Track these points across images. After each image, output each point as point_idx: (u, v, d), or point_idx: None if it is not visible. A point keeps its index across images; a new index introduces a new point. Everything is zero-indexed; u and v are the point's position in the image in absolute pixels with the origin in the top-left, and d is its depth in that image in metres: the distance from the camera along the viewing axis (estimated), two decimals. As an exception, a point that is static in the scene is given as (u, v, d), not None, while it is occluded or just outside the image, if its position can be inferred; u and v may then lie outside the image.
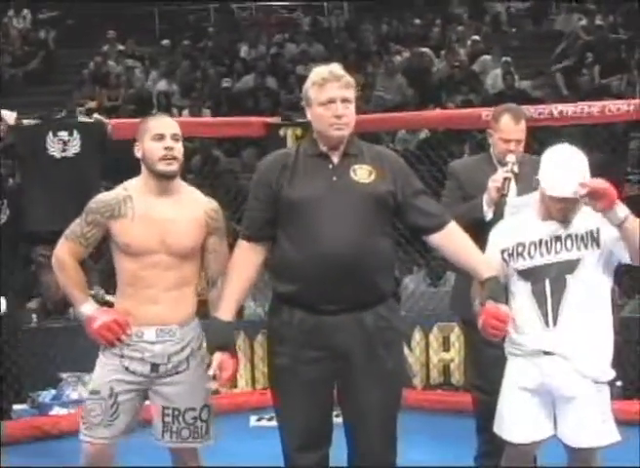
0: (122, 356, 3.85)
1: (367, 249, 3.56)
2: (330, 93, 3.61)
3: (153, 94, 14.47)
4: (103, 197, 3.93)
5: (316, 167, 3.66)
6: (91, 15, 17.03)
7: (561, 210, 3.75)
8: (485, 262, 3.77)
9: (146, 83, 15.05)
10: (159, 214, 3.83)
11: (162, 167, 3.83)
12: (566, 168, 3.72)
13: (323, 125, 3.63)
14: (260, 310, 7.13)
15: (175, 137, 3.86)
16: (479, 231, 4.04)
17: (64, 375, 6.01)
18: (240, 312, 7.44)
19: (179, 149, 3.87)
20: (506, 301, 3.82)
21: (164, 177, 3.86)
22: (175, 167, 3.85)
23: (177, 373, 3.87)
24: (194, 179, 8.39)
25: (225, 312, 3.70)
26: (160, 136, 3.85)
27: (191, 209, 3.90)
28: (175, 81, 14.77)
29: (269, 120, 6.90)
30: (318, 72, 3.68)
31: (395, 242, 3.75)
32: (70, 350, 5.37)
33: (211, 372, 3.67)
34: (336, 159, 3.66)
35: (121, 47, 16.19)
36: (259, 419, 6.28)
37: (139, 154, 3.90)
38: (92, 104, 13.71)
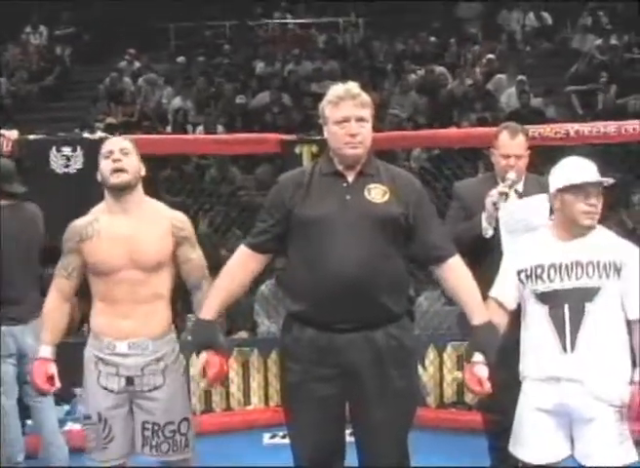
0: (99, 373, 3.92)
1: (377, 269, 3.55)
2: (345, 111, 3.62)
3: (168, 110, 14.51)
4: (72, 224, 4.01)
5: (330, 185, 3.66)
6: (106, 31, 17.09)
7: (588, 209, 3.70)
8: (479, 307, 3.72)
9: (162, 100, 15.08)
10: (123, 230, 3.88)
11: (112, 180, 3.90)
12: (578, 161, 3.77)
13: (338, 143, 3.64)
14: (273, 328, 7.11)
15: (123, 151, 3.92)
16: (480, 249, 4.03)
17: (78, 391, 6.00)
18: (254, 330, 7.48)
19: (128, 162, 3.91)
20: (519, 324, 3.83)
21: (116, 190, 3.91)
22: (123, 178, 3.89)
23: (155, 389, 3.93)
24: (210, 197, 8.40)
25: (208, 311, 3.71)
26: (109, 152, 3.92)
27: (155, 222, 3.95)
28: (190, 97, 14.80)
29: (285, 137, 6.84)
30: (334, 91, 3.69)
31: (409, 260, 3.74)
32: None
33: (194, 372, 3.71)
34: (351, 178, 3.66)
35: (137, 63, 16.25)
36: (272, 437, 6.24)
37: (99, 178, 3.99)
38: (112, 120, 13.77)
